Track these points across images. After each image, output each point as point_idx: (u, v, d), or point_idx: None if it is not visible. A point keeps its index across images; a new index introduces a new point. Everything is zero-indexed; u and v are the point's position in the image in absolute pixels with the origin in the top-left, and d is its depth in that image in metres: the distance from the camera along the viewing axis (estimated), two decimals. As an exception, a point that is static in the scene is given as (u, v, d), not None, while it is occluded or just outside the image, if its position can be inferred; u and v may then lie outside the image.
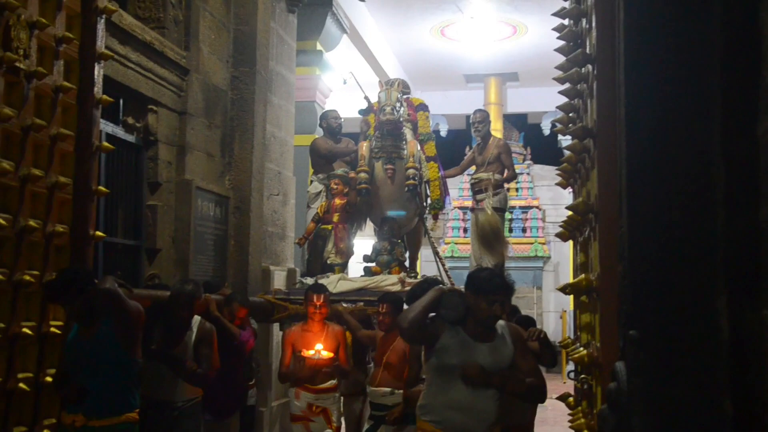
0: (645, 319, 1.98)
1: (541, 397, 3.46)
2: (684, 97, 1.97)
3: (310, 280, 6.11)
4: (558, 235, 3.55)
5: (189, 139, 5.93)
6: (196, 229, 5.93)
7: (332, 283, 5.93)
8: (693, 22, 1.95)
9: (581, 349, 2.93)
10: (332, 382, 5.16)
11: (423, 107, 7.02)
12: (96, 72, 4.16)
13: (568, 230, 3.30)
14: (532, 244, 14.45)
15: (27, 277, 3.66)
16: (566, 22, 3.25)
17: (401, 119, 6.46)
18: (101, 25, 4.22)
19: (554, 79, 3.35)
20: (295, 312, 5.75)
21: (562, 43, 3.25)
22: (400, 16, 11.86)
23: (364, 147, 6.53)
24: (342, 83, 9.35)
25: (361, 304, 5.87)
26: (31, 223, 3.73)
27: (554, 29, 3.39)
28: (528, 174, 14.96)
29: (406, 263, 6.73)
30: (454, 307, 3.24)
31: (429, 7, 11.52)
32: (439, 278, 6.39)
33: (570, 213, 2.97)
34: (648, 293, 1.97)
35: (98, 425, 3.46)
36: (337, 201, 6.42)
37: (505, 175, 7.62)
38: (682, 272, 1.93)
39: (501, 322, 3.34)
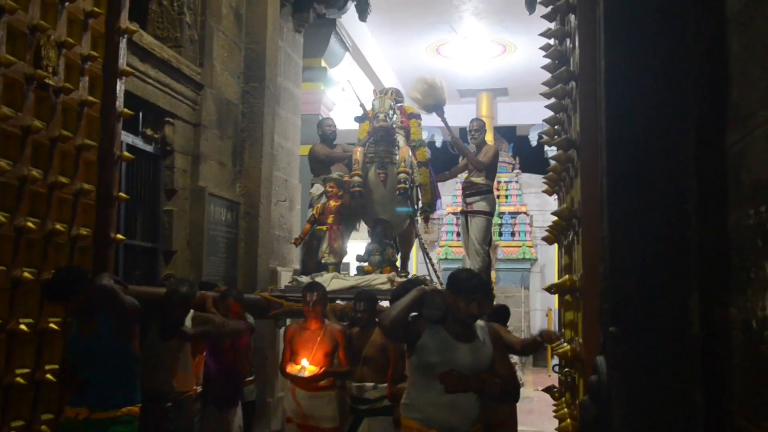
0: (624, 317, 2.00)
1: (515, 398, 3.40)
2: (660, 111, 1.99)
3: (304, 279, 6.01)
4: (544, 238, 3.56)
5: (203, 149, 5.95)
6: (209, 232, 5.94)
7: (326, 281, 5.79)
8: (668, 43, 1.98)
9: (565, 344, 2.95)
10: (325, 383, 4.85)
11: (415, 115, 6.91)
12: (118, 87, 4.18)
13: (554, 234, 3.31)
14: (520, 247, 14.47)
15: (53, 277, 3.67)
16: (552, 41, 3.28)
17: (394, 126, 6.39)
18: (123, 45, 4.24)
19: (541, 94, 3.37)
20: (289, 309, 5.58)
21: (548, 61, 3.27)
22: (399, 36, 11.90)
23: (358, 152, 6.41)
24: (341, 91, 9.25)
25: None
26: (58, 226, 3.75)
27: (541, 48, 3.41)
28: (516, 182, 14.99)
29: (398, 263, 6.64)
30: (435, 306, 3.13)
31: (425, 28, 11.55)
32: (428, 278, 6.42)
33: (555, 218, 2.99)
34: (626, 293, 1.99)
35: (101, 417, 3.37)
36: (332, 203, 6.30)
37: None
38: (658, 273, 1.95)
39: (481, 323, 3.24)
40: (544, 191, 3.74)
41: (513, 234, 14.65)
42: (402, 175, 6.15)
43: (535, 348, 4.37)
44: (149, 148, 5.45)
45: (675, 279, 1.94)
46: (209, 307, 4.67)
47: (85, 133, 3.98)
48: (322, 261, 6.25)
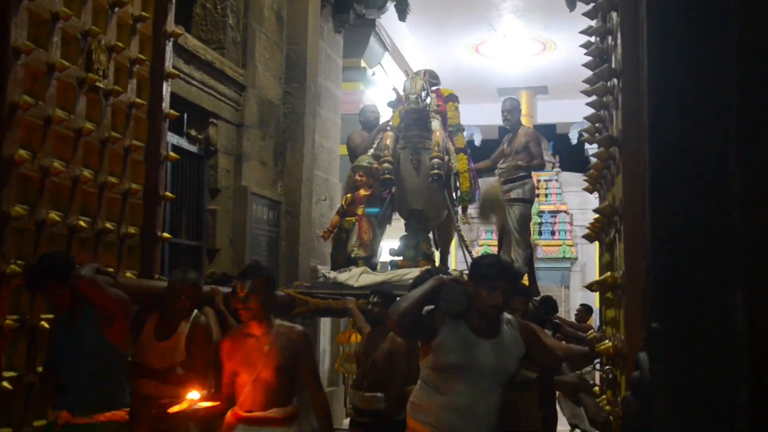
0: (667, 313, 2.00)
1: (588, 360, 3.24)
2: (703, 105, 1.99)
3: (333, 274, 5.68)
4: (585, 236, 3.55)
5: (245, 149, 6.06)
6: (252, 231, 6.05)
7: (354, 276, 5.47)
8: (710, 38, 1.97)
9: (606, 341, 2.95)
10: (279, 411, 3.17)
11: (453, 98, 6.39)
12: (164, 89, 4.30)
13: (595, 232, 3.31)
14: (560, 246, 14.37)
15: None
16: (593, 39, 3.27)
17: (428, 109, 5.90)
18: (169, 48, 4.36)
19: (582, 92, 3.37)
20: (315, 306, 5.22)
21: (588, 58, 3.27)
22: (438, 35, 11.90)
23: (388, 137, 5.93)
24: (371, 74, 9.01)
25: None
26: (108, 225, 3.88)
27: (582, 46, 3.41)
28: (557, 180, 14.88)
29: (435, 257, 6.18)
30: (454, 298, 2.75)
31: (464, 26, 11.54)
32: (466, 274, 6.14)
33: (597, 216, 2.99)
34: (669, 288, 1.99)
35: (83, 422, 2.99)
36: (362, 192, 5.90)
37: (534, 163, 6.81)
38: (702, 269, 1.95)
39: (509, 317, 2.87)
40: (584, 189, 3.73)
41: (553, 233, 14.55)
42: (436, 161, 5.66)
43: (586, 361, 3.70)
44: (193, 149, 5.58)
45: (719, 275, 1.94)
46: (218, 304, 4.01)
47: (133, 134, 4.11)
48: (352, 255, 5.85)
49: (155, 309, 3.60)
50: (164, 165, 4.35)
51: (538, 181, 15.20)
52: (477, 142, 16.66)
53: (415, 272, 5.15)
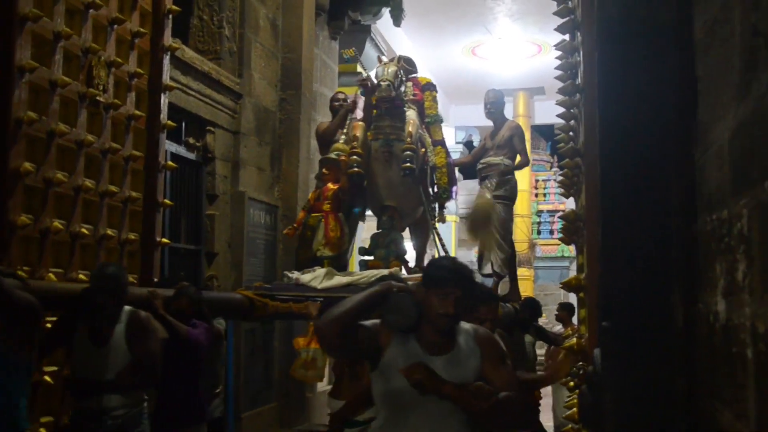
0: (616, 312, 2.21)
1: (516, 419, 2.39)
2: (647, 128, 2.20)
3: (295, 274, 5.21)
4: (560, 239, 3.73)
5: (242, 156, 6.27)
6: (249, 235, 6.27)
7: (318, 277, 5.03)
8: (653, 66, 2.19)
9: (573, 339, 3.15)
10: None
11: (430, 86, 5.97)
12: (162, 101, 4.52)
13: (567, 235, 3.51)
14: (558, 245, 14.56)
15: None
16: (563, 54, 3.48)
17: (402, 98, 5.50)
18: (166, 61, 4.58)
19: (556, 103, 3.58)
20: (274, 310, 4.82)
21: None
22: (434, 38, 12.11)
23: (358, 127, 5.50)
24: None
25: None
26: (109, 231, 4.09)
27: (557, 58, 3.62)
28: (555, 180, 15.09)
29: (409, 257, 5.72)
30: (402, 309, 2.28)
31: (460, 30, 11.76)
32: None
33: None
34: (617, 290, 2.20)
35: None
36: (330, 187, 5.49)
37: (516, 161, 6.27)
38: (645, 273, 2.16)
39: (466, 327, 2.42)
40: (560, 194, 3.92)
41: (551, 232, 14.76)
42: (408, 153, 5.24)
43: (539, 386, 3.60)
44: (192, 156, 5.80)
45: (660, 278, 2.15)
46: (158, 308, 3.73)
47: (132, 145, 4.32)
48: (317, 254, 5.41)
49: (86, 313, 3.33)
50: (162, 173, 4.56)
51: (537, 180, 15.39)
52: (476, 143, 16.86)
53: (383, 273, 4.98)
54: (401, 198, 5.51)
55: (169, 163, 4.66)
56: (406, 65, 5.59)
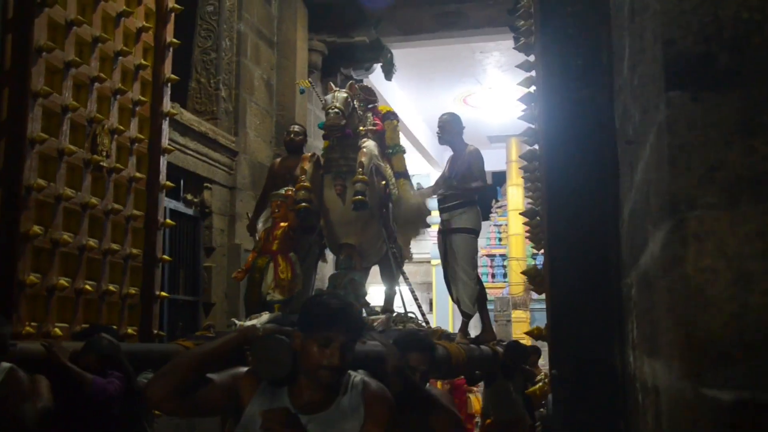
0: (563, 361, 2.49)
1: None
2: (585, 180, 2.49)
3: (242, 321, 4.92)
4: (532, 289, 3.99)
5: (238, 210, 6.58)
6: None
7: (261, 323, 4.61)
8: (585, 111, 2.50)
9: (538, 384, 3.40)
10: None
11: (391, 115, 5.69)
12: (161, 163, 4.84)
13: (536, 287, 3.79)
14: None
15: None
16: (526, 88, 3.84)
17: (356, 128, 5.19)
18: (165, 125, 4.91)
19: (516, 136, 3.89)
20: None
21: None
22: (426, 89, 12.56)
23: (306, 160, 5.31)
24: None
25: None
26: (111, 287, 4.37)
27: (521, 111, 3.95)
28: (549, 224, 15.37)
29: (369, 298, 5.39)
30: (271, 357, 1.94)
31: (451, 81, 12.20)
32: (413, 319, 5.40)
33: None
34: (565, 341, 2.48)
35: None
36: (281, 225, 5.15)
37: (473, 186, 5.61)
38: (589, 325, 2.44)
39: (357, 379, 2.02)
40: (532, 248, 4.19)
41: (546, 275, 14.96)
42: (359, 185, 4.90)
43: None
44: (190, 211, 6.10)
45: (602, 331, 2.43)
46: (61, 361, 3.34)
47: (133, 205, 4.62)
48: (267, 299, 5.06)
49: None
50: (162, 231, 4.85)
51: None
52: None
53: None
54: (358, 235, 5.20)
55: (168, 221, 4.96)
56: (364, 94, 5.39)
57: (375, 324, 4.75)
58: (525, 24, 4.32)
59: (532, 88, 3.92)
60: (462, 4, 8.51)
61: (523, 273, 3.38)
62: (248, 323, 4.67)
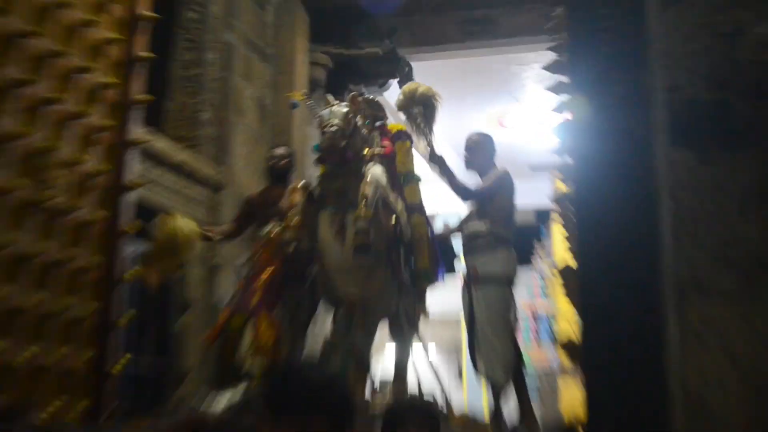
0: None
1: None
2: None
3: (207, 399, 4.60)
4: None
5: (221, 258, 6.59)
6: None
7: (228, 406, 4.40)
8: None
9: None
10: None
11: (403, 135, 5.37)
12: (123, 202, 4.83)
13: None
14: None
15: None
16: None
17: (359, 150, 4.89)
18: (131, 156, 4.92)
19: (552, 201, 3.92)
20: None
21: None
22: (454, 108, 12.52)
23: (297, 193, 5.04)
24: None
25: None
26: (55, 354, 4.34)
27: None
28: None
29: (374, 366, 5.08)
30: None
31: (484, 98, 12.26)
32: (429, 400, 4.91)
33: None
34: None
35: None
36: (264, 274, 4.85)
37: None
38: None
39: None
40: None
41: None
42: (361, 224, 4.56)
43: None
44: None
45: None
46: None
47: (90, 253, 4.62)
48: (244, 368, 4.75)
49: None
50: (120, 285, 4.82)
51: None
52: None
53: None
54: (362, 286, 4.83)
55: (129, 272, 4.93)
56: (370, 108, 5.11)
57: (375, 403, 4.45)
58: (559, 38, 4.42)
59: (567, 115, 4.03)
60: (491, 10, 8.56)
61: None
62: (211, 404, 4.30)
